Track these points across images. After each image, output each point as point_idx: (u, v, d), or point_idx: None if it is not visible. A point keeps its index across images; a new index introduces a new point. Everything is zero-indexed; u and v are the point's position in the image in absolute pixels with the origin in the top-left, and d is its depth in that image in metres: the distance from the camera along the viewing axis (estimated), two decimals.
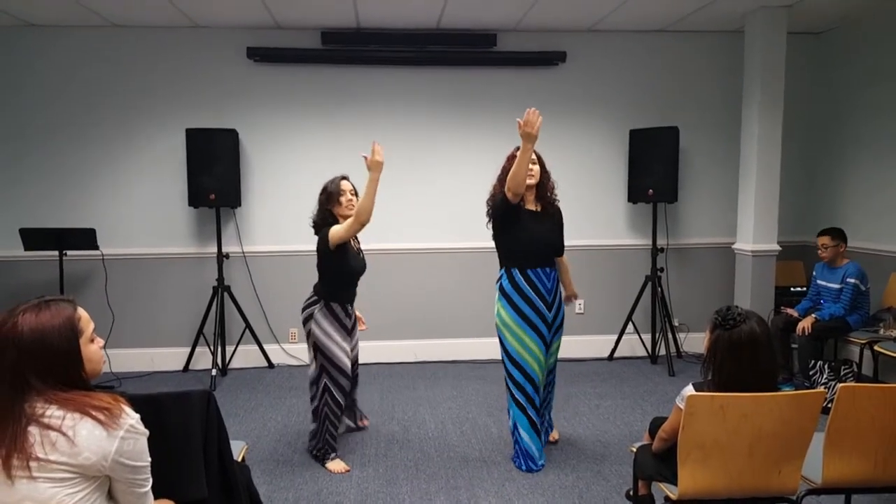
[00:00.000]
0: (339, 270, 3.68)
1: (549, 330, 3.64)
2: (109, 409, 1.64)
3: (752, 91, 5.23)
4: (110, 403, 1.65)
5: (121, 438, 1.63)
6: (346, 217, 3.62)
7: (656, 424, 2.69)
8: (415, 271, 5.83)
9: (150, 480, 1.76)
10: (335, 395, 3.67)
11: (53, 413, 1.60)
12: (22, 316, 1.65)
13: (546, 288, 3.62)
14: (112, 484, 1.69)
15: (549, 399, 3.89)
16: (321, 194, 3.72)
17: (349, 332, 3.78)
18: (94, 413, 1.62)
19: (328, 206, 3.68)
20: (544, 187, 3.68)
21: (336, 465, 3.67)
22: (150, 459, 1.73)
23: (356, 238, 3.78)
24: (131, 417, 1.67)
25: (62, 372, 1.66)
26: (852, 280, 4.68)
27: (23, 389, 1.62)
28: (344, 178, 3.74)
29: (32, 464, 1.56)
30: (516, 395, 3.62)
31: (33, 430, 1.58)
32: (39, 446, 1.57)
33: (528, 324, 3.57)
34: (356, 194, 3.72)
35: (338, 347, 3.66)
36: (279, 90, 5.60)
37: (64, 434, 1.58)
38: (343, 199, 3.65)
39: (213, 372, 5.22)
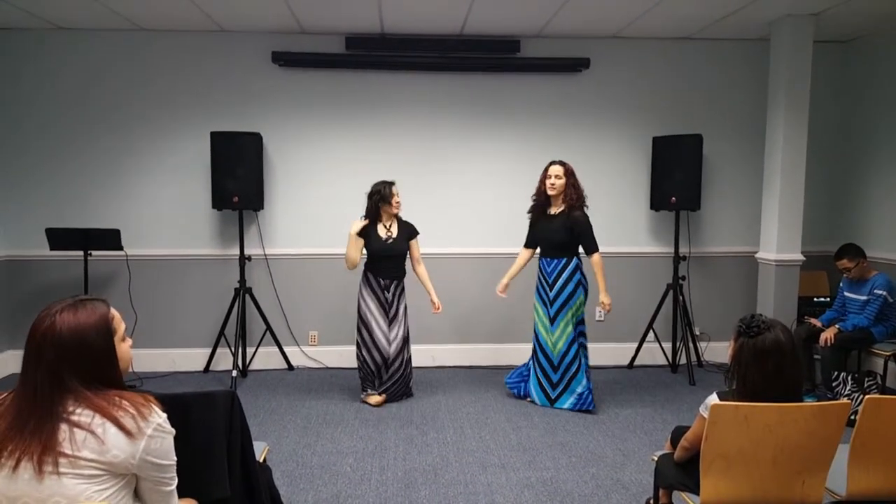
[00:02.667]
0: (366, 250, 4.78)
1: (549, 306, 4.69)
2: (138, 412, 1.66)
3: (778, 99, 5.19)
4: (141, 404, 1.67)
5: (148, 437, 1.65)
6: (390, 214, 4.77)
7: (678, 433, 2.67)
8: (435, 276, 5.80)
9: (176, 480, 1.77)
10: (359, 343, 4.80)
11: (83, 412, 1.63)
12: (59, 315, 1.67)
13: (546, 272, 4.72)
14: (138, 482, 1.71)
15: (569, 386, 4.73)
16: (374, 193, 4.74)
17: (380, 300, 4.76)
18: (121, 421, 1.63)
19: (380, 203, 4.72)
20: (567, 196, 4.64)
21: (370, 398, 4.80)
22: (175, 459, 1.75)
23: (388, 228, 4.78)
24: (159, 416, 1.69)
25: (98, 370, 1.68)
26: (880, 291, 4.62)
27: (59, 388, 1.63)
28: (393, 183, 4.76)
29: (62, 460, 1.58)
30: (531, 358, 4.86)
31: (64, 427, 1.60)
32: (69, 443, 1.59)
33: (538, 296, 4.81)
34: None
35: (364, 304, 4.76)
36: (303, 94, 5.65)
37: (93, 433, 1.60)
38: (394, 201, 4.71)
39: (234, 373, 5.26)
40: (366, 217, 4.75)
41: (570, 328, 4.65)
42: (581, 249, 4.69)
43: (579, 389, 4.66)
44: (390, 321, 4.77)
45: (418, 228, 5.24)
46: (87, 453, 1.59)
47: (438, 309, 4.90)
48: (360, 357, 4.82)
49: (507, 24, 5.30)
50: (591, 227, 4.64)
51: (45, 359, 1.64)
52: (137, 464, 1.65)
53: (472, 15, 5.05)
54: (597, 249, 4.65)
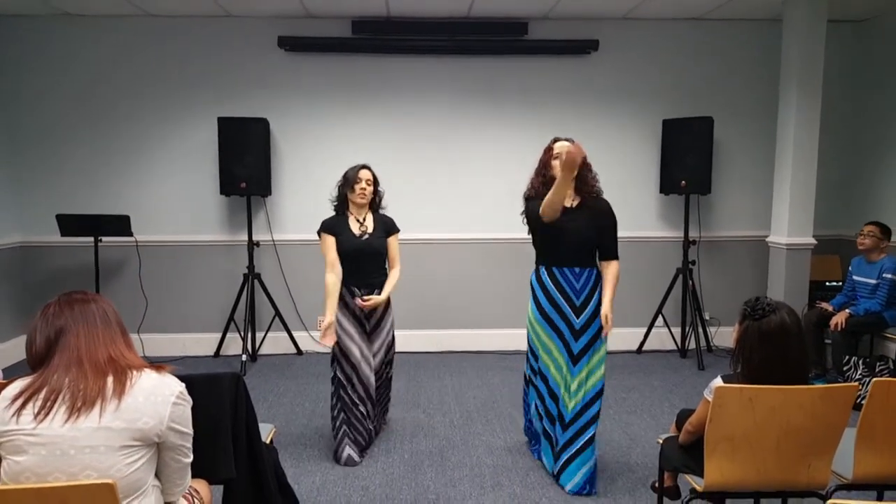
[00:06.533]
0: (338, 251, 3.71)
1: (574, 338, 3.29)
2: (160, 382, 1.77)
3: (790, 80, 5.11)
4: (162, 374, 1.80)
5: (173, 404, 1.74)
6: (357, 204, 3.73)
7: (683, 416, 2.66)
8: (441, 261, 5.84)
9: (192, 454, 1.86)
10: (341, 380, 3.65)
11: (113, 381, 1.70)
12: (93, 294, 1.87)
13: (574, 289, 3.29)
14: (160, 456, 1.78)
15: (581, 454, 3.28)
16: (341, 178, 3.78)
17: (358, 318, 3.69)
18: (148, 389, 1.73)
19: (344, 189, 3.75)
20: (583, 181, 3.37)
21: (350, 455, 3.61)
22: (192, 431, 1.84)
23: (361, 222, 3.76)
24: (179, 385, 1.80)
25: (125, 346, 1.82)
26: (889, 275, 4.57)
27: (92, 357, 1.72)
28: (364, 167, 3.75)
29: (100, 432, 1.64)
30: (537, 404, 3.49)
31: (98, 392, 1.67)
32: (109, 414, 1.65)
33: (549, 324, 3.32)
34: (373, 183, 3.76)
35: (343, 332, 3.64)
36: (310, 79, 5.63)
37: (124, 397, 1.68)
38: (357, 187, 3.68)
39: (244, 357, 5.29)
40: (335, 210, 3.80)
41: (595, 376, 3.30)
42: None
43: (591, 462, 3.29)
44: (368, 337, 3.72)
45: (423, 213, 5.21)
46: (120, 423, 1.66)
47: (365, 303, 3.62)
48: (343, 399, 3.64)
49: (514, 5, 5.25)
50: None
51: (87, 325, 1.75)
52: (164, 431, 1.73)
53: None
54: (617, 255, 3.43)
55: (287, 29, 5.52)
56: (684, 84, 5.78)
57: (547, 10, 5.40)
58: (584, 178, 3.37)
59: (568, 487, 3.27)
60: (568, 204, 3.34)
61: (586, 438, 3.27)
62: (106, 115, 5.57)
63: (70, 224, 5.14)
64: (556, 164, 3.33)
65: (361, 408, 3.64)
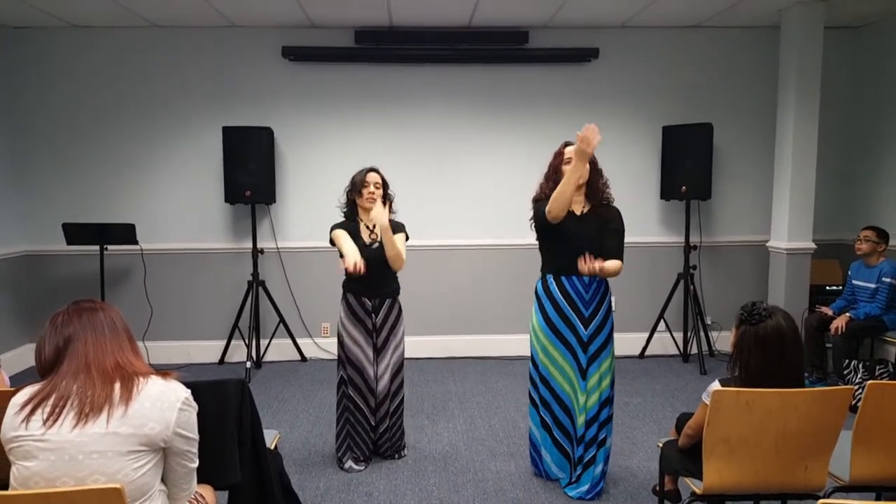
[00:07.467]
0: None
1: (582, 349, 3.25)
2: (167, 388, 1.80)
3: (788, 87, 5.15)
4: (168, 381, 1.83)
5: (179, 409, 1.77)
6: (366, 209, 3.59)
7: (683, 420, 2.69)
8: (444, 268, 5.87)
9: (198, 458, 1.89)
10: (348, 390, 3.62)
11: (121, 388, 1.74)
12: (102, 303, 1.91)
13: (582, 299, 3.24)
14: (167, 460, 1.82)
15: (593, 462, 3.29)
16: (349, 183, 3.68)
17: (367, 329, 3.62)
18: (154, 396, 1.76)
19: (352, 195, 3.64)
20: (594, 187, 3.32)
21: (355, 464, 3.63)
22: (198, 436, 1.87)
23: (371, 229, 3.63)
24: (185, 391, 1.83)
25: (133, 353, 1.86)
26: (888, 279, 4.60)
27: (101, 363, 1.76)
28: (372, 169, 3.64)
29: (107, 437, 1.67)
30: (542, 413, 3.38)
31: (106, 399, 1.71)
32: (116, 419, 1.69)
33: (556, 335, 3.27)
34: (382, 186, 3.63)
35: (349, 338, 3.61)
36: (313, 89, 5.69)
37: (131, 403, 1.72)
38: (365, 191, 3.56)
39: (248, 364, 5.34)
40: (344, 216, 3.70)
41: (607, 380, 3.31)
42: None
43: (601, 467, 3.32)
44: (377, 353, 3.65)
45: (427, 220, 5.18)
46: (127, 428, 1.69)
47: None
48: (348, 406, 3.62)
49: (515, 15, 5.30)
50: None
51: (95, 333, 1.79)
52: (171, 436, 1.76)
53: (480, 6, 5.06)
54: (622, 258, 3.27)
55: (291, 39, 5.58)
56: (684, 91, 5.82)
57: (547, 19, 5.45)
58: (594, 184, 3.32)
59: (572, 494, 3.30)
60: (578, 211, 3.29)
61: (595, 449, 3.29)
62: (111, 124, 5.63)
63: (76, 233, 5.20)
64: (566, 169, 3.19)
65: (365, 416, 3.63)
